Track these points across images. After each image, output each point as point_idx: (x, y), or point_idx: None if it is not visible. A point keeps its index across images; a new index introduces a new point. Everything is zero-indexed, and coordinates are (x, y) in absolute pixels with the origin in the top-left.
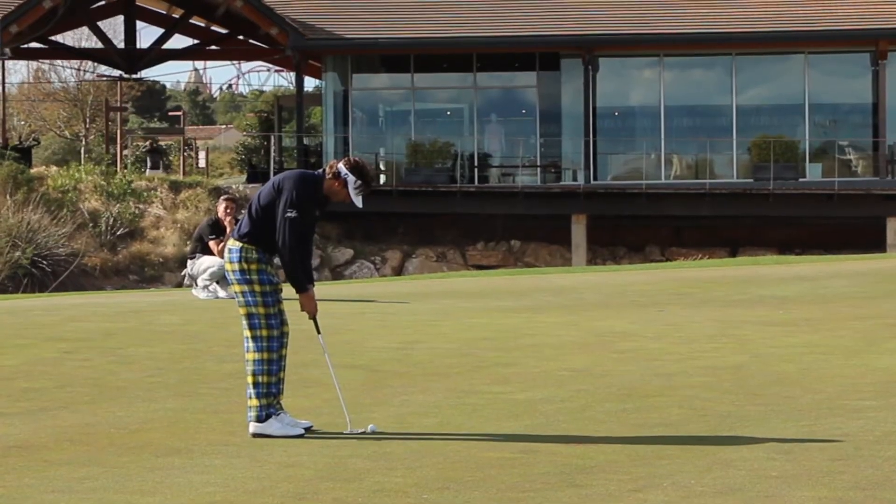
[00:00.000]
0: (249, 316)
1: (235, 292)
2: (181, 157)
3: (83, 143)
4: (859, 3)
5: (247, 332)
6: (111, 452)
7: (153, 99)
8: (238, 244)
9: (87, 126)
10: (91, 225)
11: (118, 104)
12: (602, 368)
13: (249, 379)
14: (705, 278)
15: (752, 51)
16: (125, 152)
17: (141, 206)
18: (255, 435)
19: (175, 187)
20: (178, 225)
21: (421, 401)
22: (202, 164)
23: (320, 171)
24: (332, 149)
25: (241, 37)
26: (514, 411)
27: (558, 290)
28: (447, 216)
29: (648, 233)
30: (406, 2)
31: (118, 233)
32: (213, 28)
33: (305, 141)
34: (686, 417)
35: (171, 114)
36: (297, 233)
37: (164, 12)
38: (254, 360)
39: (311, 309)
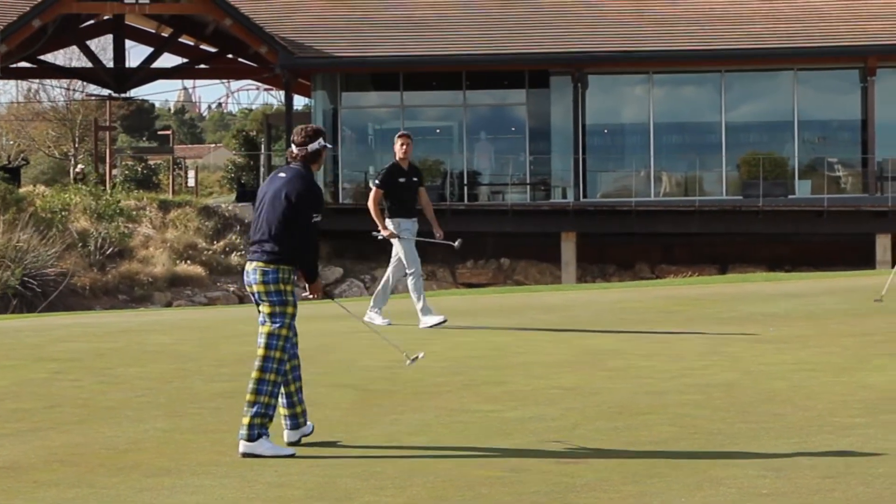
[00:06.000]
0: (270, 335)
1: (264, 312)
2: (170, 177)
3: (72, 162)
4: (848, 19)
5: (261, 352)
6: (101, 473)
7: (142, 118)
8: (271, 266)
9: (77, 145)
10: (80, 245)
11: (107, 123)
12: (592, 386)
13: (250, 397)
14: (695, 296)
15: (741, 68)
16: (114, 171)
17: (130, 225)
18: (245, 454)
19: (164, 206)
20: (168, 244)
21: (411, 419)
22: (191, 183)
23: (296, 166)
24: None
25: (230, 55)
26: (504, 430)
27: (548, 308)
28: None
29: (638, 250)
30: (395, 20)
31: (107, 252)
32: (203, 47)
33: None
34: (676, 435)
35: (160, 133)
36: None
37: (154, 31)
38: (259, 380)
39: (319, 290)
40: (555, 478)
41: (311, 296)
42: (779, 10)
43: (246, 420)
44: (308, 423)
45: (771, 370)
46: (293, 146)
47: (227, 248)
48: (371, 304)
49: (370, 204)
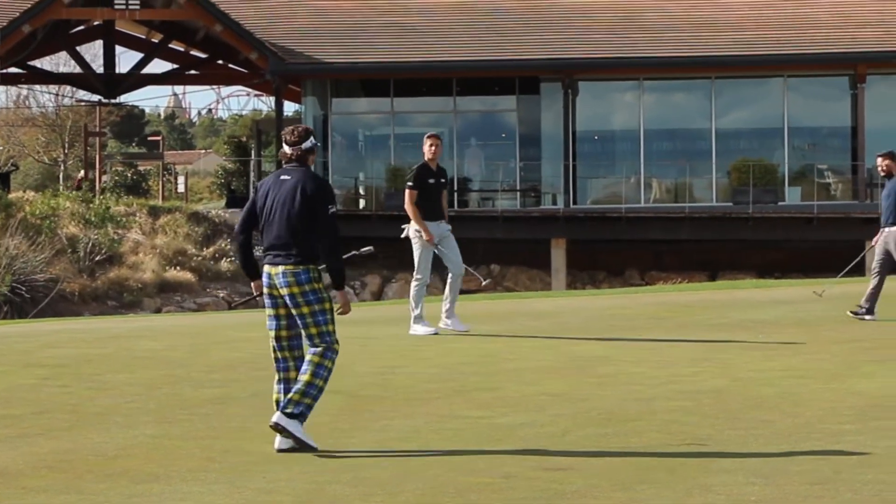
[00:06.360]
0: (322, 335)
1: (303, 314)
2: (160, 182)
3: (62, 168)
4: (838, 26)
5: (320, 349)
6: (89, 479)
7: (132, 124)
8: (301, 267)
9: (66, 151)
10: (70, 251)
11: (97, 129)
12: (582, 393)
13: (306, 377)
14: (685, 302)
15: (731, 74)
16: (104, 177)
17: (120, 231)
18: (277, 426)
19: (154, 212)
20: (157, 250)
21: (401, 425)
22: (181, 189)
23: (296, 166)
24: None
25: (220, 61)
26: (494, 436)
27: (538, 315)
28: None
29: (628, 257)
30: (385, 26)
31: (97, 258)
32: (193, 53)
33: None
34: (666, 442)
35: (150, 139)
36: None
37: (144, 37)
38: (319, 364)
39: (348, 304)
40: (544, 484)
41: (342, 312)
42: (769, 17)
43: (295, 396)
44: None
45: (760, 377)
46: (286, 146)
47: (217, 254)
48: (444, 313)
49: (408, 206)
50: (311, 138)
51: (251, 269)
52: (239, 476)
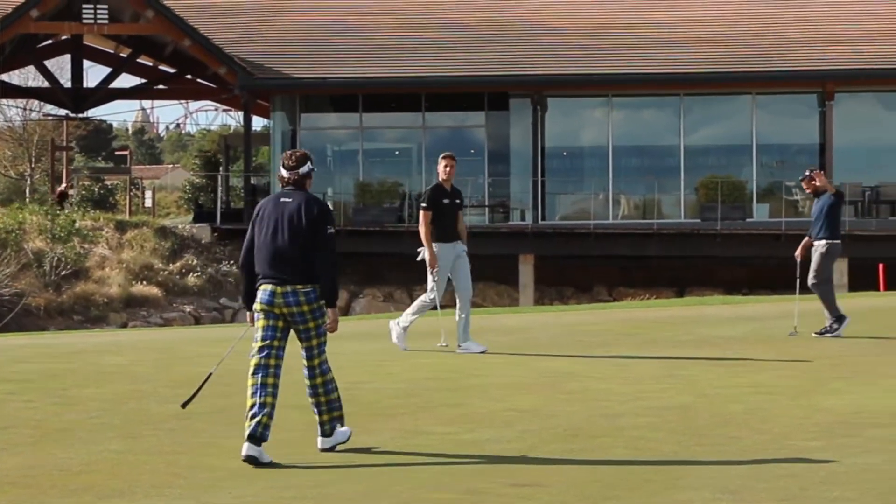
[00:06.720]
0: (321, 344)
1: (310, 328)
2: (127, 197)
3: (28, 182)
4: (807, 44)
5: (316, 361)
6: (53, 495)
7: (99, 138)
8: (310, 286)
9: (33, 165)
10: (35, 265)
11: (64, 143)
12: (549, 409)
13: (322, 398)
14: (652, 318)
15: (700, 91)
16: (71, 192)
17: (86, 245)
18: (325, 450)
19: (121, 227)
20: (124, 265)
21: (367, 441)
22: (149, 203)
23: (296, 189)
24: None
25: (189, 76)
26: (460, 452)
27: (506, 331)
28: (395, 256)
29: (596, 273)
30: (354, 42)
31: (63, 273)
32: (161, 67)
33: (253, 181)
34: (632, 458)
35: (117, 153)
36: None
37: (112, 51)
38: (331, 380)
39: (336, 322)
40: (511, 500)
41: (331, 329)
42: (738, 35)
43: (325, 417)
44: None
45: (727, 393)
46: (284, 171)
47: (184, 269)
48: (460, 337)
49: (421, 228)
50: (309, 163)
51: (252, 300)
52: (204, 491)
